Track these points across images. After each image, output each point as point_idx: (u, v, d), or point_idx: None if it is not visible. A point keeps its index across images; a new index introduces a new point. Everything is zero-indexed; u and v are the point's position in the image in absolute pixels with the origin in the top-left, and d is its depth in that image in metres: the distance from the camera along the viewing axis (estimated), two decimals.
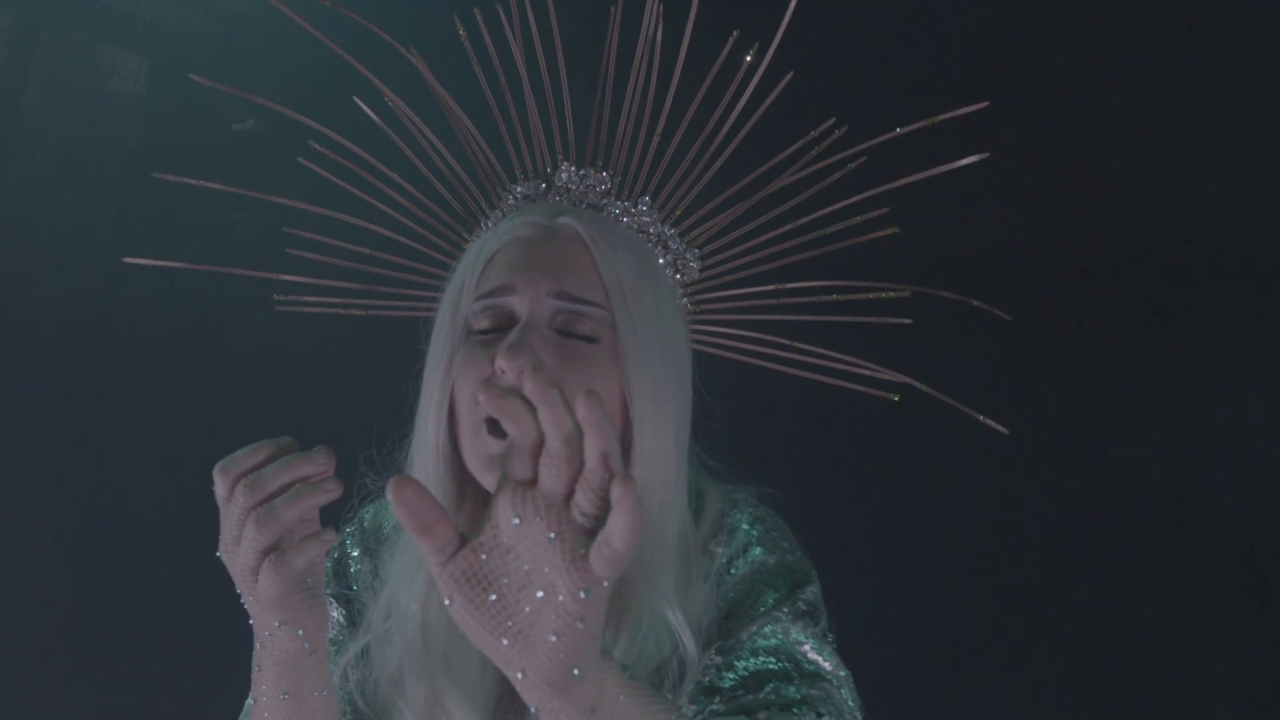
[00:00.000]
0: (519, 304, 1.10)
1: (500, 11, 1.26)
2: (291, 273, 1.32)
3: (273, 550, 0.94)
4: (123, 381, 3.04)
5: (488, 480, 1.10)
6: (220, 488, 0.94)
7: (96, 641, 2.93)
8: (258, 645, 1.02)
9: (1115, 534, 2.35)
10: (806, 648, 1.06)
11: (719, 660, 1.05)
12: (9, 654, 2.83)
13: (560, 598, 0.74)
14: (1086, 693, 2.37)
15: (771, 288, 1.24)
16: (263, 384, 2.86)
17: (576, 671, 0.77)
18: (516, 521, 0.75)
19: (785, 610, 1.08)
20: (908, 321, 1.26)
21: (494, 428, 1.07)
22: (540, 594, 0.75)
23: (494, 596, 0.77)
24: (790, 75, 1.26)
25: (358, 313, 1.31)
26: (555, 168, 1.24)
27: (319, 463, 0.94)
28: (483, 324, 1.12)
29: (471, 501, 1.16)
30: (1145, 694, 2.35)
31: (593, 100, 1.23)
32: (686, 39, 1.22)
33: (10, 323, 2.85)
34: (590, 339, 1.10)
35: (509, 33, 1.24)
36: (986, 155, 1.23)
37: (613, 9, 1.23)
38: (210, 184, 1.28)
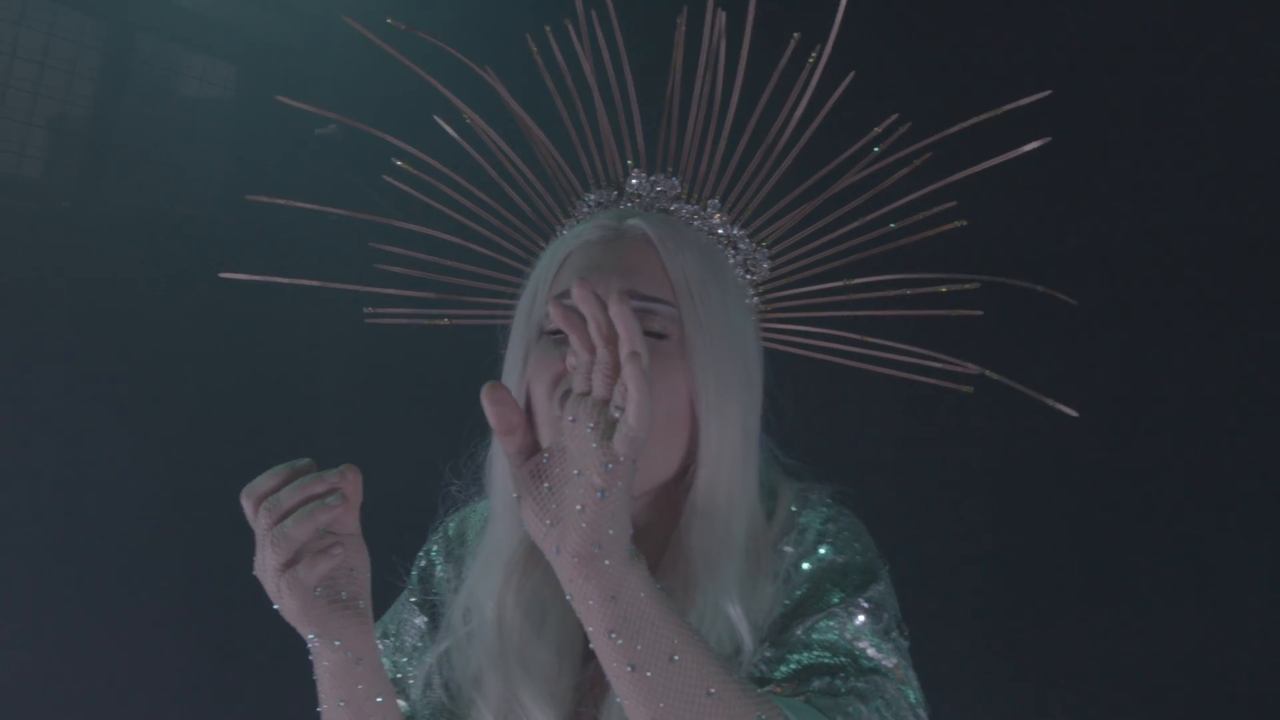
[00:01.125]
0: None
1: (570, 28, 1.30)
2: (378, 285, 1.36)
3: (290, 566, 1.00)
4: (212, 383, 3.15)
5: None
6: (247, 511, 1.01)
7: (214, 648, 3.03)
8: (311, 656, 1.08)
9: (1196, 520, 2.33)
10: (865, 644, 1.07)
11: (772, 654, 1.08)
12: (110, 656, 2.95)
13: (588, 474, 0.87)
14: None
15: (840, 284, 1.26)
16: (351, 394, 2.93)
17: (597, 548, 0.88)
18: (570, 420, 0.89)
19: (847, 607, 1.09)
20: (978, 313, 1.27)
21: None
22: (576, 473, 0.88)
23: (546, 485, 0.91)
24: (852, 75, 1.27)
25: (442, 323, 1.36)
26: (626, 175, 1.28)
27: (328, 482, 0.99)
28: (555, 324, 1.15)
29: None
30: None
31: (661, 108, 1.26)
32: (746, 44, 1.24)
33: (101, 320, 2.96)
34: (659, 335, 1.13)
35: (578, 48, 1.28)
36: (1049, 140, 1.23)
37: (679, 21, 1.26)
38: (301, 204, 1.33)
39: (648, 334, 1.12)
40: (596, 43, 1.28)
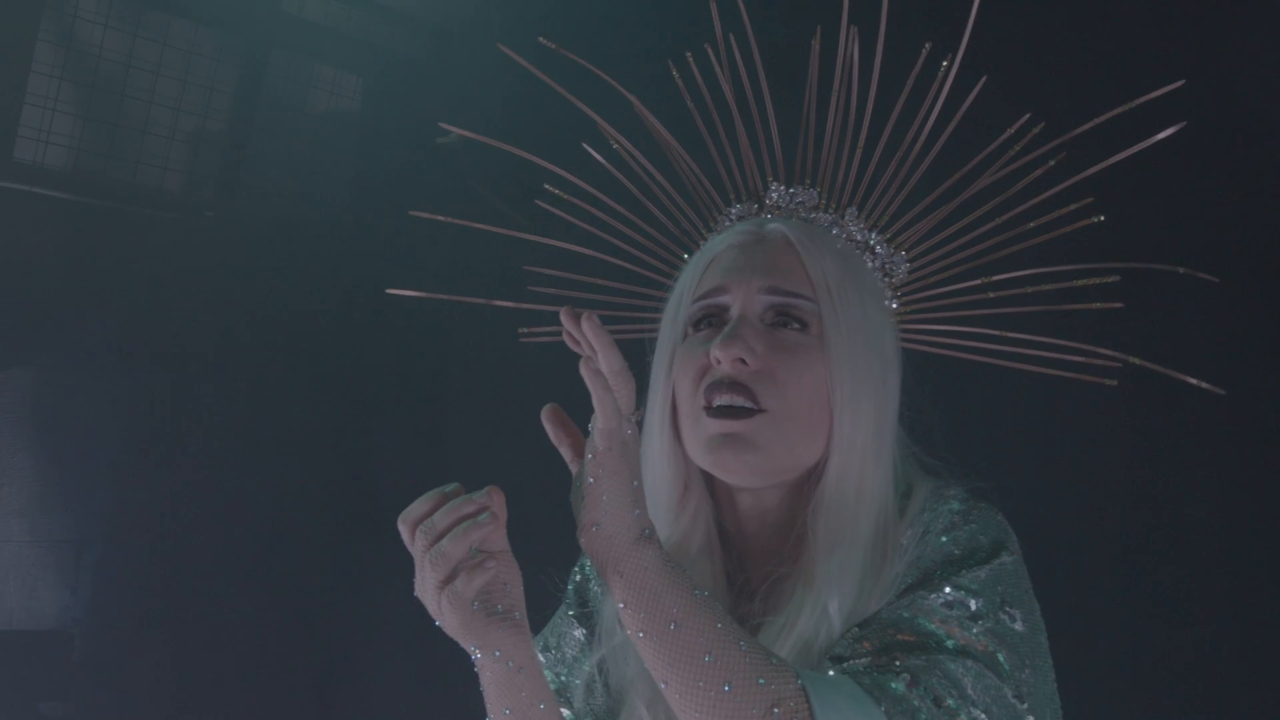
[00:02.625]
0: (732, 301, 1.20)
1: (709, 51, 1.35)
2: (531, 302, 1.42)
3: (448, 583, 1.04)
4: (349, 385, 3.25)
5: (708, 462, 1.19)
6: (404, 536, 1.06)
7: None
8: (475, 669, 1.12)
9: None
10: (940, 622, 1.07)
11: (855, 631, 1.10)
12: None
13: (586, 467, 1.00)
14: None
15: (979, 282, 1.28)
16: (504, 409, 2.99)
17: (597, 527, 1.00)
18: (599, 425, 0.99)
19: (935, 588, 1.09)
20: (1118, 305, 1.28)
21: (712, 411, 1.17)
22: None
23: (578, 483, 1.03)
24: (984, 80, 1.30)
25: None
26: (766, 188, 1.33)
27: (479, 502, 1.03)
28: (700, 324, 1.22)
29: (695, 496, 1.26)
30: None
31: (798, 122, 1.31)
32: (878, 56, 1.28)
33: (243, 326, 3.07)
34: (800, 325, 1.18)
35: (717, 69, 1.33)
36: (1183, 125, 1.24)
37: (813, 42, 1.30)
38: (457, 220, 1.39)
39: (789, 327, 1.18)
40: (735, 63, 1.33)
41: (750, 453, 1.16)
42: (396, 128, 3.18)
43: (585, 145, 1.40)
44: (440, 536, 1.02)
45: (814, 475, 1.19)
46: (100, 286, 3.07)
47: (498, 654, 1.08)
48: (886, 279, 1.29)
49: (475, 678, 1.13)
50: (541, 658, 1.35)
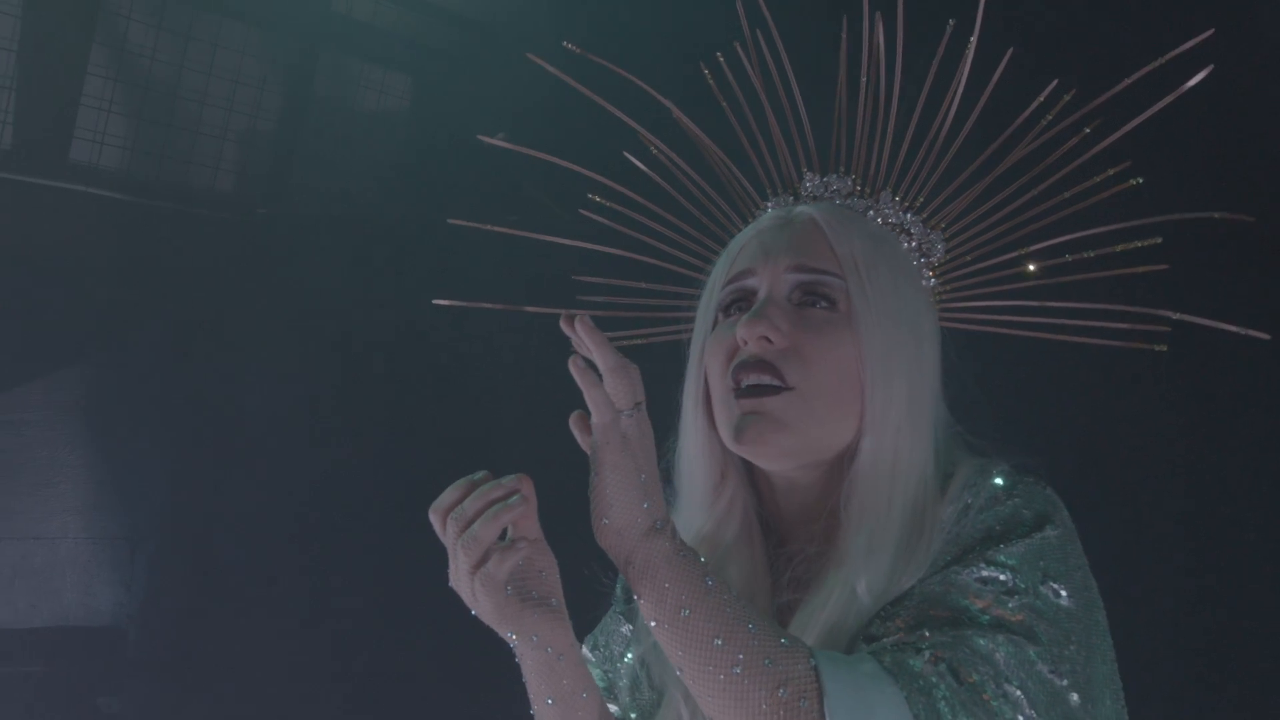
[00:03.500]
0: (759, 283, 1.19)
1: (739, 49, 1.35)
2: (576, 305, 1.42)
3: (480, 565, 1.04)
4: (394, 382, 3.27)
5: (738, 445, 1.17)
6: (436, 526, 1.07)
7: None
8: (517, 659, 1.13)
9: None
10: (976, 597, 1.05)
11: (888, 609, 1.08)
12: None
13: None
14: None
15: (1017, 254, 1.26)
16: (548, 407, 2.98)
17: (606, 520, 1.01)
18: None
19: (971, 563, 1.07)
20: (1164, 267, 1.24)
21: (740, 392, 1.16)
22: None
23: (594, 476, 1.03)
24: (1010, 51, 1.27)
25: (639, 342, 1.41)
26: (800, 178, 1.32)
27: (507, 486, 1.05)
28: (729, 309, 1.22)
29: (732, 483, 1.25)
30: None
31: (830, 111, 1.30)
32: (900, 39, 1.25)
33: (294, 322, 3.10)
34: (828, 303, 1.17)
35: (748, 66, 1.34)
36: (1211, 68, 1.20)
37: (841, 33, 1.28)
38: (499, 228, 1.39)
39: (816, 305, 1.17)
40: (764, 59, 1.33)
41: (778, 432, 1.14)
42: (444, 126, 3.19)
43: (626, 154, 1.41)
44: (471, 522, 1.03)
45: (848, 455, 1.17)
46: (153, 286, 3.10)
47: (535, 639, 1.08)
48: (924, 259, 1.27)
49: (517, 673, 1.13)
50: (591, 656, 1.35)
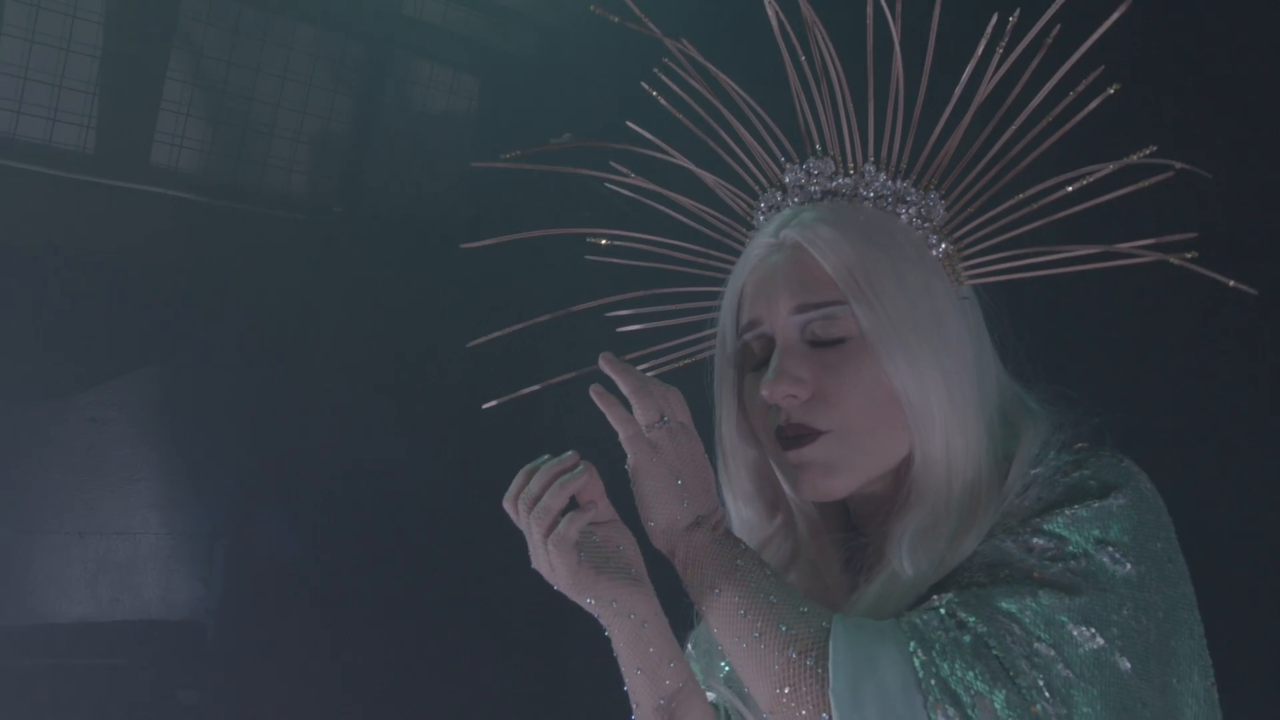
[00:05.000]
0: (770, 330, 1.19)
1: (677, 52, 1.32)
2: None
3: (552, 530, 1.09)
4: (485, 389, 3.27)
5: (800, 497, 1.22)
6: (510, 514, 1.13)
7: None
8: (607, 633, 1.16)
9: None
10: (1019, 565, 1.02)
11: (940, 584, 1.07)
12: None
13: None
14: None
15: (1019, 198, 1.19)
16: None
17: (651, 523, 1.11)
18: None
19: (1022, 535, 1.05)
20: (1169, 174, 1.15)
21: (786, 443, 1.16)
22: None
23: (633, 485, 1.13)
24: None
25: (684, 363, 1.40)
26: (782, 171, 1.28)
27: (567, 461, 1.11)
28: (753, 358, 1.21)
29: (784, 510, 1.27)
30: None
31: (788, 96, 1.26)
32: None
33: (364, 327, 3.13)
34: (839, 340, 1.15)
35: (690, 81, 1.32)
36: None
37: (771, 14, 1.25)
38: (538, 232, 1.41)
39: (829, 343, 1.16)
40: (704, 70, 1.31)
41: (828, 476, 1.16)
42: (513, 127, 3.20)
43: (612, 187, 1.41)
44: (539, 497, 1.10)
45: (907, 460, 1.16)
46: (229, 285, 3.16)
47: (614, 604, 1.12)
48: (927, 224, 1.21)
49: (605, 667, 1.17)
50: (692, 652, 1.34)
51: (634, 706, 1.19)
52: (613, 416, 1.11)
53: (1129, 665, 0.97)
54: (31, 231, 2.94)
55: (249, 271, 3.18)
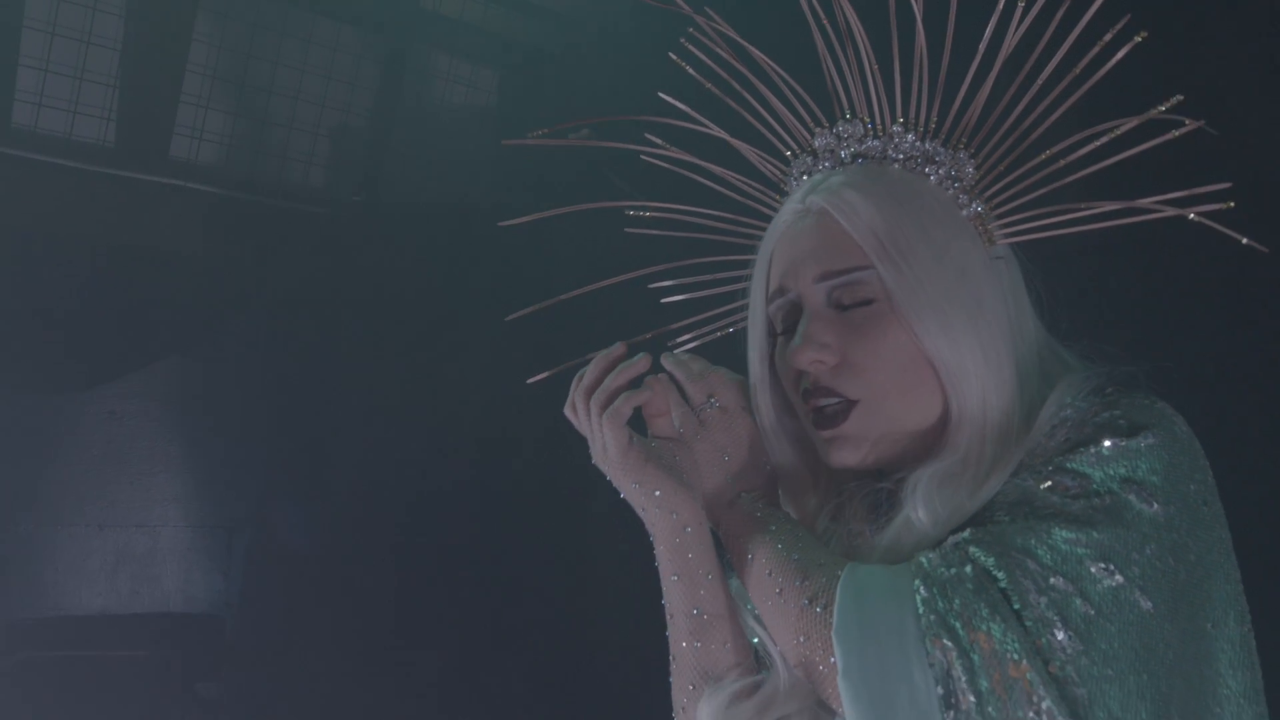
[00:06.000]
0: (797, 298, 1.18)
1: (705, 25, 1.33)
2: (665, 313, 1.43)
3: (608, 406, 1.14)
4: (508, 383, 3.27)
5: (831, 459, 1.18)
6: (571, 415, 1.18)
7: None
8: (651, 537, 1.18)
9: None
10: (1039, 502, 1.01)
11: (962, 525, 1.06)
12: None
13: None
14: None
15: (1045, 155, 1.17)
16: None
17: (700, 494, 1.17)
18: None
19: (1044, 473, 1.03)
20: (1200, 123, 1.12)
21: (815, 419, 1.16)
22: None
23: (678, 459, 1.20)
24: None
25: (725, 332, 1.40)
26: (813, 136, 1.27)
27: (616, 352, 1.17)
28: (780, 325, 1.21)
29: (825, 480, 1.26)
30: None
31: (818, 62, 1.26)
32: None
33: (383, 320, 3.13)
34: (866, 302, 1.14)
35: (719, 50, 1.33)
36: None
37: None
38: (574, 208, 1.40)
39: (855, 305, 1.14)
40: (732, 40, 1.31)
41: (860, 447, 1.15)
42: (532, 120, 3.20)
43: (646, 151, 1.40)
44: (599, 382, 1.16)
45: (944, 418, 1.15)
46: (250, 278, 3.17)
47: (658, 495, 1.13)
48: (957, 184, 1.20)
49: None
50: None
51: (668, 619, 1.19)
52: (670, 398, 1.19)
53: (1150, 605, 0.95)
54: (52, 224, 2.95)
55: (268, 264, 3.19)
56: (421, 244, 3.25)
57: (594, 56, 3.16)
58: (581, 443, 1.21)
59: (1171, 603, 0.96)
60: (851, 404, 1.13)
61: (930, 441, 1.15)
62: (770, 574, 1.09)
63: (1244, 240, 1.09)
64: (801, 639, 1.03)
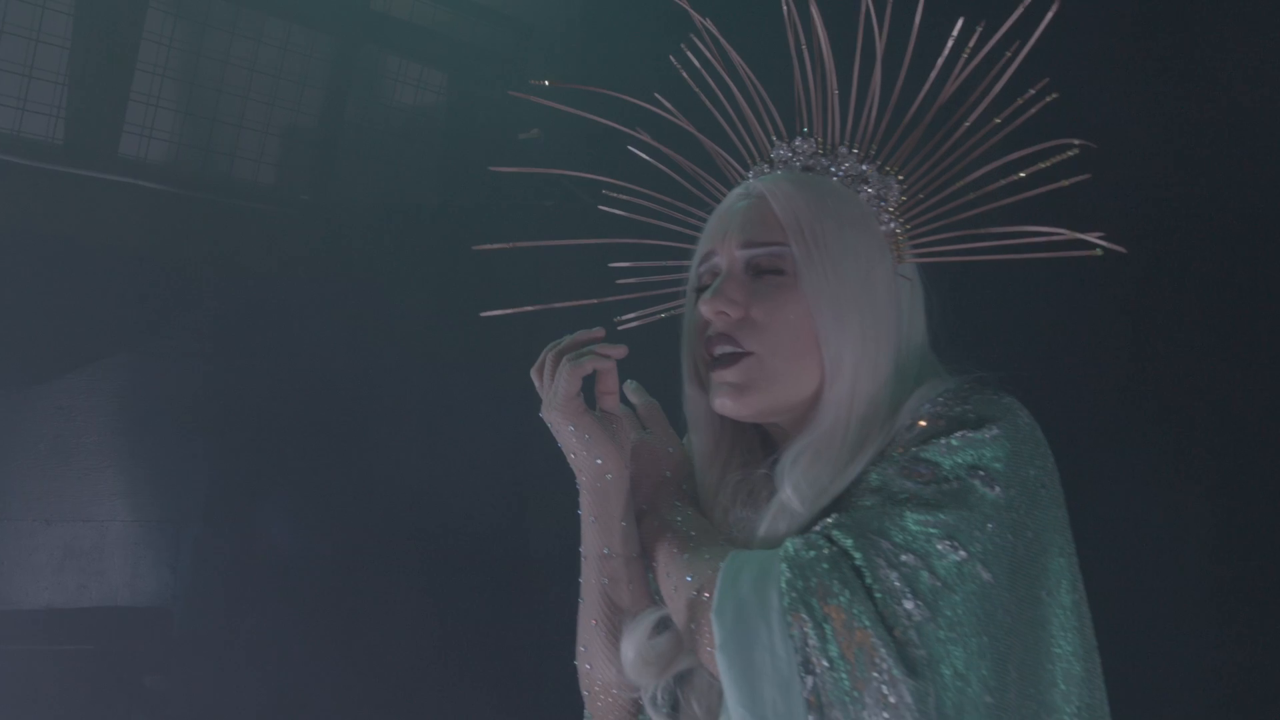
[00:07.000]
0: (721, 261, 1.31)
1: (696, 41, 1.46)
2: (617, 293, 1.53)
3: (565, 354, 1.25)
4: (456, 380, 3.31)
5: (717, 409, 1.30)
6: (536, 375, 1.28)
7: None
8: (578, 484, 1.29)
9: None
10: (895, 488, 1.12)
11: (826, 510, 1.18)
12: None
13: None
14: None
15: (958, 186, 1.32)
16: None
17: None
18: None
19: (901, 461, 1.15)
20: (1086, 176, 1.28)
21: (711, 363, 1.28)
22: None
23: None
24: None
25: (672, 314, 1.50)
26: (772, 147, 1.41)
27: (597, 333, 1.27)
28: (703, 284, 1.33)
29: (728, 439, 1.36)
30: None
31: (790, 82, 1.39)
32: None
33: (331, 318, 3.16)
34: (777, 271, 1.27)
35: (711, 59, 1.44)
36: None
37: (786, 10, 1.38)
38: (520, 244, 1.48)
39: (768, 272, 1.27)
40: (720, 46, 1.43)
41: (744, 394, 1.25)
42: (481, 121, 3.24)
43: (631, 148, 1.52)
44: (571, 348, 1.26)
45: (816, 398, 1.27)
46: (198, 276, 3.19)
47: (588, 439, 1.25)
48: (883, 203, 1.34)
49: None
50: None
51: (582, 561, 1.32)
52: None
53: (990, 576, 1.07)
54: (1, 221, 2.95)
55: (217, 262, 3.21)
56: (370, 242, 3.28)
57: (542, 57, 3.21)
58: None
59: (1010, 574, 1.09)
60: (744, 354, 1.25)
61: (802, 414, 1.27)
62: (669, 575, 1.22)
63: (1098, 251, 1.25)
64: (693, 626, 1.16)
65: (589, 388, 1.28)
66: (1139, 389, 2.44)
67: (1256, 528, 2.29)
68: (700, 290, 1.33)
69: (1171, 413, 2.42)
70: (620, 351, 1.26)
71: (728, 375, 1.26)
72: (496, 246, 1.50)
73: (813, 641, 1.03)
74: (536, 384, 1.29)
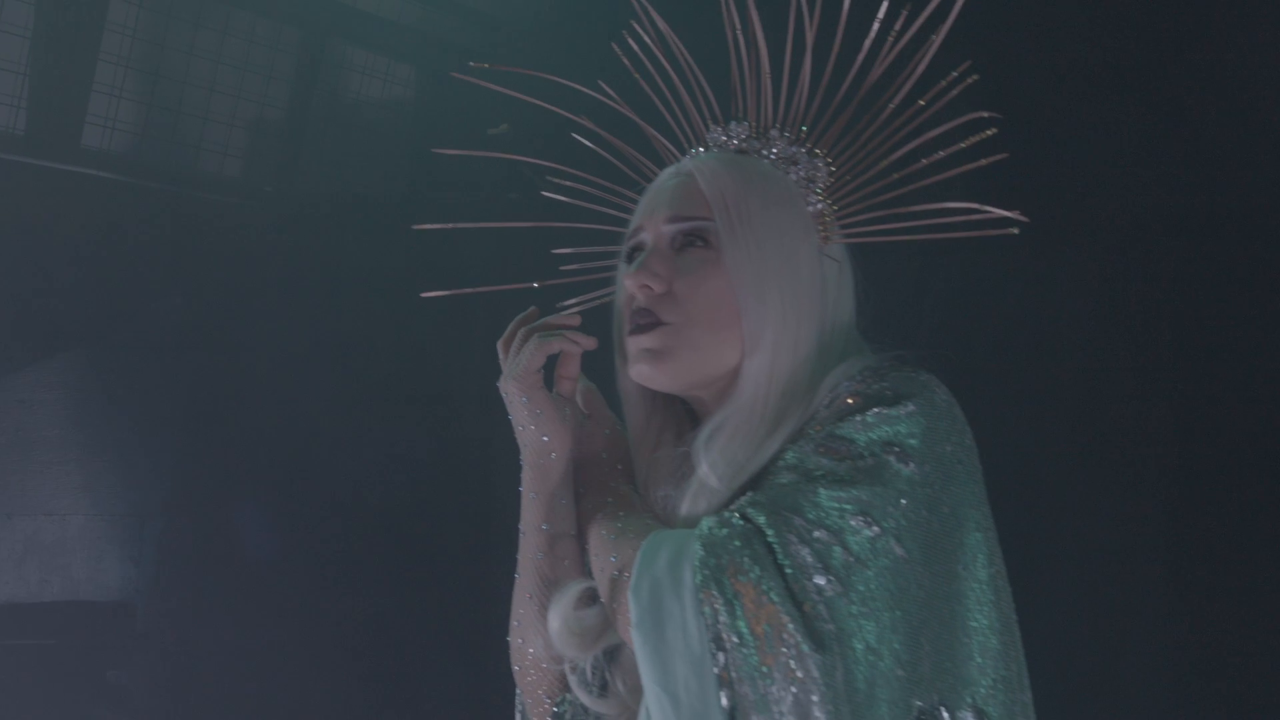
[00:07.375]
0: (647, 237, 1.33)
1: (635, 26, 1.50)
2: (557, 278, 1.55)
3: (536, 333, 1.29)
4: (417, 374, 3.31)
5: (634, 378, 1.32)
6: (502, 347, 1.31)
7: None
8: (522, 459, 1.31)
9: None
10: (812, 465, 1.13)
11: (744, 488, 1.20)
12: None
13: None
14: None
15: (883, 165, 1.35)
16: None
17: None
18: None
19: (818, 439, 1.15)
20: (1004, 155, 1.32)
21: (633, 329, 1.30)
22: None
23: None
24: None
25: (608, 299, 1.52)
26: (708, 131, 1.43)
27: (572, 320, 1.31)
28: (631, 257, 1.36)
29: (660, 414, 1.39)
30: None
31: (726, 66, 1.42)
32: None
33: (296, 311, 3.15)
34: (702, 243, 1.29)
35: (651, 45, 1.49)
36: None
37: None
38: (459, 224, 1.52)
39: (692, 246, 1.29)
40: (660, 33, 1.47)
41: (661, 360, 1.27)
42: (449, 115, 3.24)
43: (575, 135, 1.56)
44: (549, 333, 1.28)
45: (736, 372, 1.28)
46: (161, 268, 3.18)
47: (540, 415, 1.28)
48: (810, 184, 1.36)
49: None
50: None
51: (520, 537, 1.34)
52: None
53: (904, 551, 1.07)
54: None
55: (181, 254, 3.19)
56: (335, 235, 3.28)
57: (511, 51, 3.21)
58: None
59: (924, 549, 1.10)
60: (663, 323, 1.27)
61: (722, 389, 1.28)
62: (597, 556, 1.24)
63: (1013, 229, 1.29)
64: (614, 605, 1.18)
65: (549, 370, 1.30)
66: (1101, 382, 2.45)
67: (1210, 517, 2.30)
68: (630, 261, 1.35)
69: (1130, 405, 2.43)
70: (590, 342, 1.28)
71: (644, 340, 1.27)
72: (434, 227, 1.51)
73: (723, 619, 1.03)
74: (501, 356, 1.31)
